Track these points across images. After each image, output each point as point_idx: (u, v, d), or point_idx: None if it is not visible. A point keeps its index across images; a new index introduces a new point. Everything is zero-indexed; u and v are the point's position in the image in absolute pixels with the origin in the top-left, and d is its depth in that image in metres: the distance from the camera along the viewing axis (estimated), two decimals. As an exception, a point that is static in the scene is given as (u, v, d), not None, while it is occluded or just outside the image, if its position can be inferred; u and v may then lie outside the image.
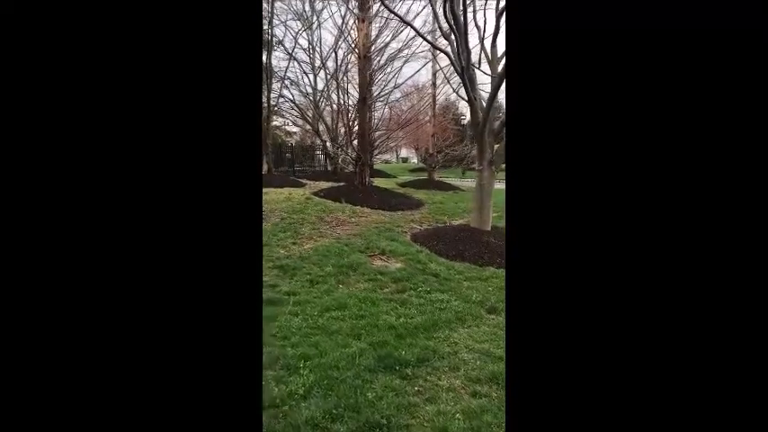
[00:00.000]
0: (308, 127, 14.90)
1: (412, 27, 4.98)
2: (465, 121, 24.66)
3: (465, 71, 5.12)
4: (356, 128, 9.61)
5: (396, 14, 5.31)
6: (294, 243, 5.06)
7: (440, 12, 5.73)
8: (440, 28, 5.70)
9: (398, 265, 4.42)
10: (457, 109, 20.58)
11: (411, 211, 7.83)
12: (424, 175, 16.39)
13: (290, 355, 2.48)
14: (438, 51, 9.24)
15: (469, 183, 16.25)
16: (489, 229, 5.63)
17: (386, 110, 12.47)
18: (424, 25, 10.48)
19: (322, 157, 17.06)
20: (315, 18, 11.27)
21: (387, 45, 9.14)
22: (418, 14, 11.49)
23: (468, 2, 4.72)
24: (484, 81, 6.24)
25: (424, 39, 5.45)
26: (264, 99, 11.83)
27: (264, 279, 3.78)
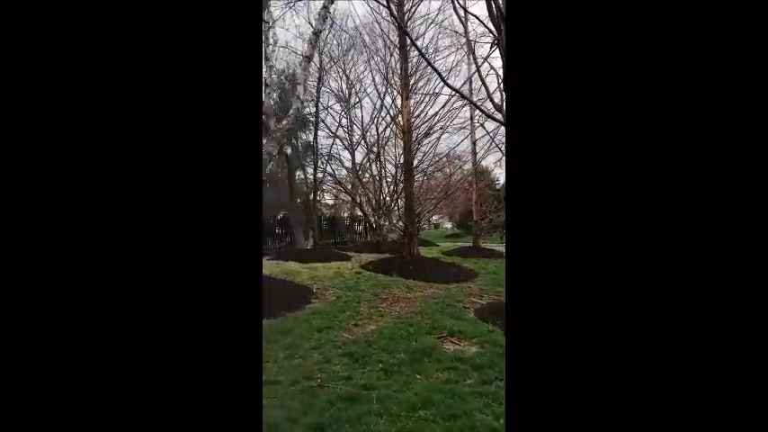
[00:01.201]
0: (346, 198, 15.16)
1: (477, 107, 5.06)
2: (498, 186, 24.70)
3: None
4: (402, 199, 9.62)
5: (460, 94, 5.43)
6: (356, 325, 4.79)
7: (489, 84, 5.84)
8: (491, 100, 5.78)
9: (474, 348, 4.04)
10: (491, 174, 20.68)
11: (467, 283, 7.44)
12: (461, 242, 16.07)
13: (390, 474, 2.13)
14: (477, 123, 9.40)
15: (512, 248, 15.74)
16: (561, 302, 5.20)
17: (425, 180, 12.59)
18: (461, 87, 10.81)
19: (360, 227, 17.15)
20: (355, 97, 11.89)
21: (433, 116, 9.39)
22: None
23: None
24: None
25: (492, 118, 5.43)
26: (311, 175, 12.22)
27: (336, 369, 3.50)
